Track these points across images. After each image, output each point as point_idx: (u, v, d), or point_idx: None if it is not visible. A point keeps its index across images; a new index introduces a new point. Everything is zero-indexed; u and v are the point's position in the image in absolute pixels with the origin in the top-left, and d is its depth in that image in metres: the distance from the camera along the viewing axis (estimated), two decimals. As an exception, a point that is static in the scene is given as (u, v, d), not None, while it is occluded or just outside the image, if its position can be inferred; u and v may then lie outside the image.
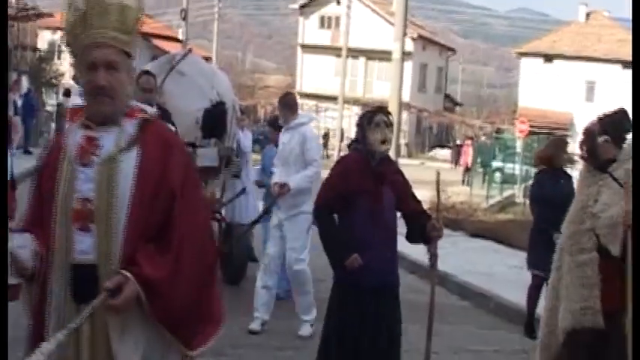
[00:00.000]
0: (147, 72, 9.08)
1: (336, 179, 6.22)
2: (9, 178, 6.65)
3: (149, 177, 3.49)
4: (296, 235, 9.01)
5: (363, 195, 6.01)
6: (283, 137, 9.24)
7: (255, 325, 9.07)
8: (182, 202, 3.51)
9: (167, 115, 8.52)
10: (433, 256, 5.94)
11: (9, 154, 5.78)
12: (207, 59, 64.30)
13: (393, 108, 16.84)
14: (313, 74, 64.91)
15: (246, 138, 12.20)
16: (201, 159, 10.91)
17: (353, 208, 6.03)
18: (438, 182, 6.01)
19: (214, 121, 10.96)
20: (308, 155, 8.93)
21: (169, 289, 3.43)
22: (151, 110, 3.69)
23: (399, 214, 6.22)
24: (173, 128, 8.02)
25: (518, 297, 10.68)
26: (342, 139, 48.65)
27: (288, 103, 9.34)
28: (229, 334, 8.54)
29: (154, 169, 3.51)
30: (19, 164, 11.61)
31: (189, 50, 12.55)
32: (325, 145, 50.42)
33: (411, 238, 6.18)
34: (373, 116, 6.17)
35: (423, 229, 5.94)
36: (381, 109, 6.41)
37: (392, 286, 6.18)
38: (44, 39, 55.00)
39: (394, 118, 6.82)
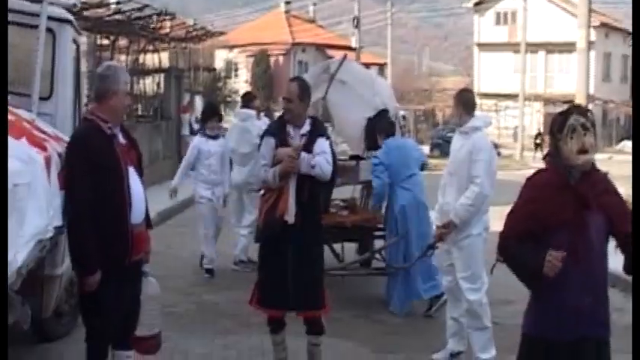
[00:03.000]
0: (294, 79, 7.50)
1: (525, 209, 4.70)
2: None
3: None
4: (466, 263, 7.85)
5: (561, 228, 4.53)
6: (455, 143, 7.98)
7: (439, 355, 8.16)
8: None
9: (322, 127, 7.29)
10: None
11: None
12: (383, 65, 64.39)
13: (580, 101, 15.51)
14: (491, 73, 63.36)
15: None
16: (365, 173, 10.05)
17: (547, 243, 4.50)
18: None
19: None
20: (473, 170, 7.63)
21: None
22: None
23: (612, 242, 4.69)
24: (327, 142, 6.96)
25: None
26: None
27: (464, 100, 7.99)
28: None
29: None
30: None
31: (345, 57, 11.70)
32: (538, 146, 48.34)
33: (630, 268, 4.62)
34: (565, 120, 4.63)
35: None
36: (576, 108, 4.84)
37: (597, 342, 4.65)
38: (220, 58, 55.87)
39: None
